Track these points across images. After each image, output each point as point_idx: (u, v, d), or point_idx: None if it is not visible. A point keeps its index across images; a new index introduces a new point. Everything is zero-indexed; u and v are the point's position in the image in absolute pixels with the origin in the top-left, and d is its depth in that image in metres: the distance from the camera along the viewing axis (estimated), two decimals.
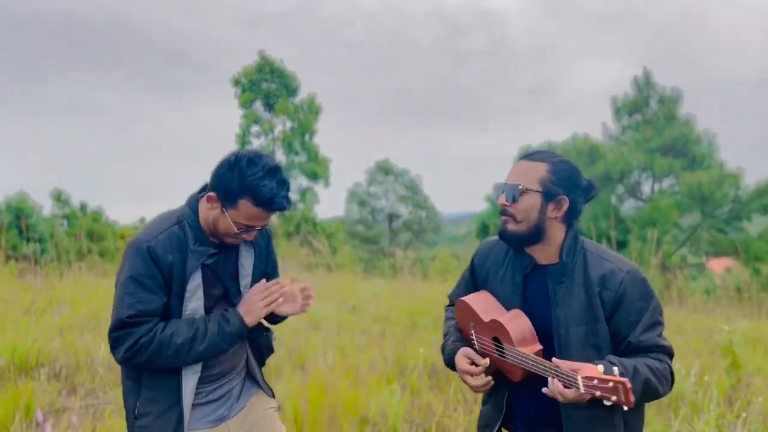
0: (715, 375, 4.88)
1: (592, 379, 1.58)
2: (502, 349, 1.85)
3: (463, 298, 2.00)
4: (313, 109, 31.26)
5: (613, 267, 1.84)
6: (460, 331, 2.08)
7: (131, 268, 1.89)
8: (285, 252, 15.92)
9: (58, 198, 26.86)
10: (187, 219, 1.99)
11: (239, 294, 2.09)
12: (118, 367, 5.44)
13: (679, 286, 11.12)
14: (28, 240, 17.83)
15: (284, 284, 2.05)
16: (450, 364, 2.02)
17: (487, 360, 1.89)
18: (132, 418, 2.00)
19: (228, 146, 40.42)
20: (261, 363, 2.26)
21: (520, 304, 1.90)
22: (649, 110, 20.88)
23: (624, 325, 1.81)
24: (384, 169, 29.58)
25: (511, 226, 1.86)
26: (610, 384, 1.55)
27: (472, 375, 1.89)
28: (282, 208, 1.90)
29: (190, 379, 2.00)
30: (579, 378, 1.59)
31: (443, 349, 2.09)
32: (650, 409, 4.14)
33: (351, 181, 34.63)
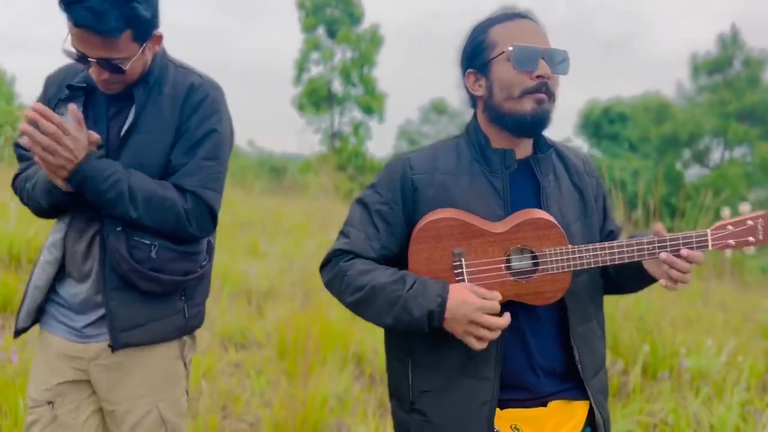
0: (750, 357, 4.36)
1: (723, 227, 1.41)
2: (533, 262, 1.40)
3: (442, 216, 1.39)
4: (375, 41, 30.49)
5: (583, 151, 1.65)
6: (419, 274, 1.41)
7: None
8: (329, 183, 15.71)
9: None
10: None
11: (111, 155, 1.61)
12: None
13: (733, 261, 10.41)
14: None
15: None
16: (412, 314, 1.34)
17: (498, 295, 1.35)
18: None
19: (288, 72, 40.06)
20: (121, 276, 1.60)
21: (504, 212, 1.42)
22: (731, 71, 19.36)
23: (603, 212, 1.61)
24: (438, 109, 28.73)
25: (548, 106, 1.41)
26: (749, 223, 1.41)
27: (488, 314, 1.33)
28: (80, 23, 1.41)
29: (51, 236, 1.71)
30: (708, 233, 1.40)
31: (394, 302, 1.35)
32: (665, 383, 3.69)
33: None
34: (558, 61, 1.40)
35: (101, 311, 1.65)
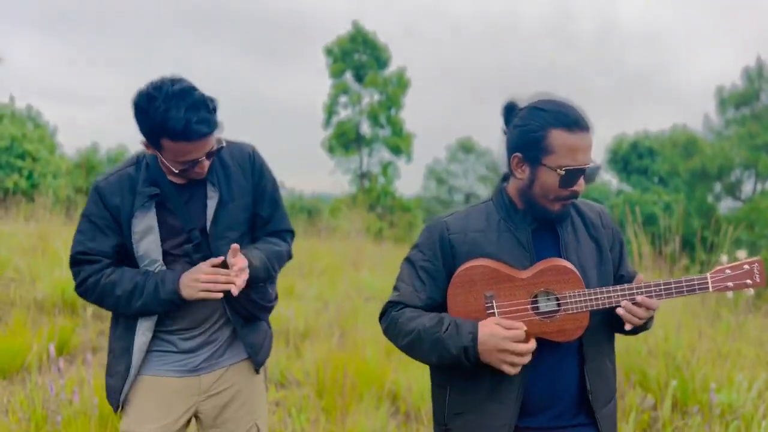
0: None
1: (722, 271, 1.55)
2: (557, 303, 1.60)
3: (475, 264, 1.63)
4: (402, 83, 31.09)
5: (597, 204, 1.84)
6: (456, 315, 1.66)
7: (86, 208, 1.93)
8: (357, 221, 15.92)
9: None
10: (149, 159, 1.92)
11: (201, 237, 1.92)
12: None
13: None
14: None
15: (237, 273, 1.81)
16: (451, 352, 1.57)
17: (522, 325, 1.57)
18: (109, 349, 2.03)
19: (316, 115, 40.84)
20: (246, 317, 2.03)
21: (529, 262, 1.65)
22: (758, 104, 19.26)
23: (619, 259, 1.80)
24: (465, 148, 28.99)
25: (570, 206, 1.68)
26: (745, 267, 1.54)
27: (515, 342, 1.54)
28: (202, 135, 1.74)
29: (142, 324, 1.93)
30: (708, 276, 1.55)
31: (435, 342, 1.59)
32: (694, 417, 3.76)
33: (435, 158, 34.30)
34: (593, 175, 1.62)
35: (214, 347, 2.01)
